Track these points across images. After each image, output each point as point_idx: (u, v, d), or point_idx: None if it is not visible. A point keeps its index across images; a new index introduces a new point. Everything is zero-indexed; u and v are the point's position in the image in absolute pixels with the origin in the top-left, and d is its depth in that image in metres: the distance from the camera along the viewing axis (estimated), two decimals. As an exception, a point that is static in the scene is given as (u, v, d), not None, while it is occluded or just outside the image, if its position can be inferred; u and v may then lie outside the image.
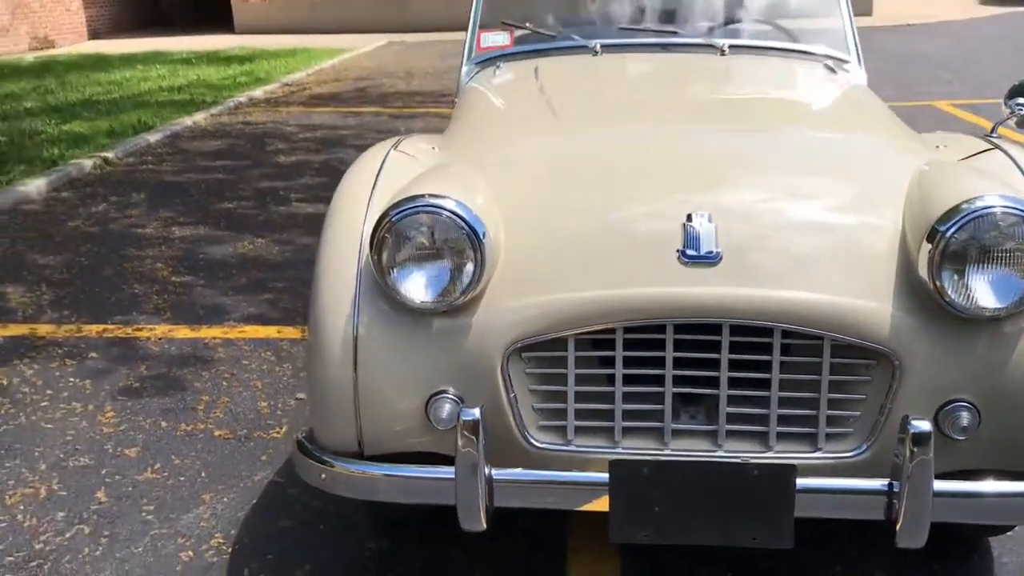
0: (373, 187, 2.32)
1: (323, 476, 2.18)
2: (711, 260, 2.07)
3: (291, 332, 4.10)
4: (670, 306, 2.04)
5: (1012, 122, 2.60)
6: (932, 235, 1.99)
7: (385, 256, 2.07)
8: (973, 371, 2.03)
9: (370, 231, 2.11)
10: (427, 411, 2.13)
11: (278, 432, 3.24)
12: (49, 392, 3.56)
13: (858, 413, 2.08)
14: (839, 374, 2.07)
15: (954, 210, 1.98)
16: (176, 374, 3.73)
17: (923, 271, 2.01)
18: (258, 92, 11.04)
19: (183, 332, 4.16)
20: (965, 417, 2.03)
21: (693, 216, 2.12)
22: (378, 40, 17.13)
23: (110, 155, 7.65)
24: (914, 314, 2.04)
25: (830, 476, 2.07)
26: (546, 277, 2.13)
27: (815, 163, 2.41)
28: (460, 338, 2.11)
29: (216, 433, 3.25)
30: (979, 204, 1.97)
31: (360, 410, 2.14)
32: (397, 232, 2.06)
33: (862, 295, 2.05)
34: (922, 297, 2.05)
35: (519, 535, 2.61)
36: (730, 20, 3.68)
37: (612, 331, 2.07)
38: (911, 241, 2.09)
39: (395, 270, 2.07)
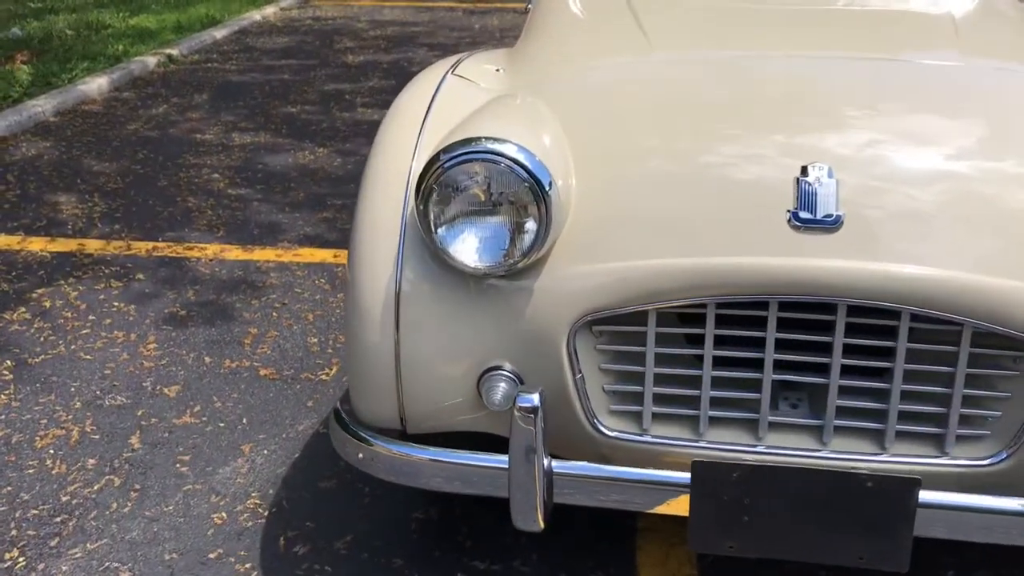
0: (424, 121, 1.97)
1: (360, 455, 1.92)
2: (830, 225, 1.69)
3: (348, 257, 3.83)
4: (776, 280, 1.68)
5: None
6: None
7: (432, 210, 1.74)
8: None
9: (417, 176, 1.78)
10: (479, 388, 1.83)
11: (327, 374, 3.00)
12: (92, 318, 3.37)
13: (999, 413, 1.71)
14: (978, 366, 1.70)
15: None
16: (225, 301, 3.50)
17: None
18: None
19: (235, 253, 3.92)
20: None
21: (809, 169, 1.73)
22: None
23: (175, 52, 7.39)
24: (1079, 299, 1.64)
25: (958, 487, 1.72)
26: (625, 238, 1.78)
27: (965, 102, 1.97)
28: (520, 307, 1.79)
29: (262, 372, 3.02)
30: None
31: (402, 381, 1.85)
32: (446, 182, 1.72)
33: (1012, 274, 1.65)
34: None
35: (582, 512, 2.33)
36: None
37: (702, 305, 1.72)
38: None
39: (443, 227, 1.74)
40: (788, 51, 2.22)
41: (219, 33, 8.12)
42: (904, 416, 1.74)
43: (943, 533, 1.70)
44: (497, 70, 2.31)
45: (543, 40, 2.49)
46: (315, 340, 3.21)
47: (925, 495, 1.65)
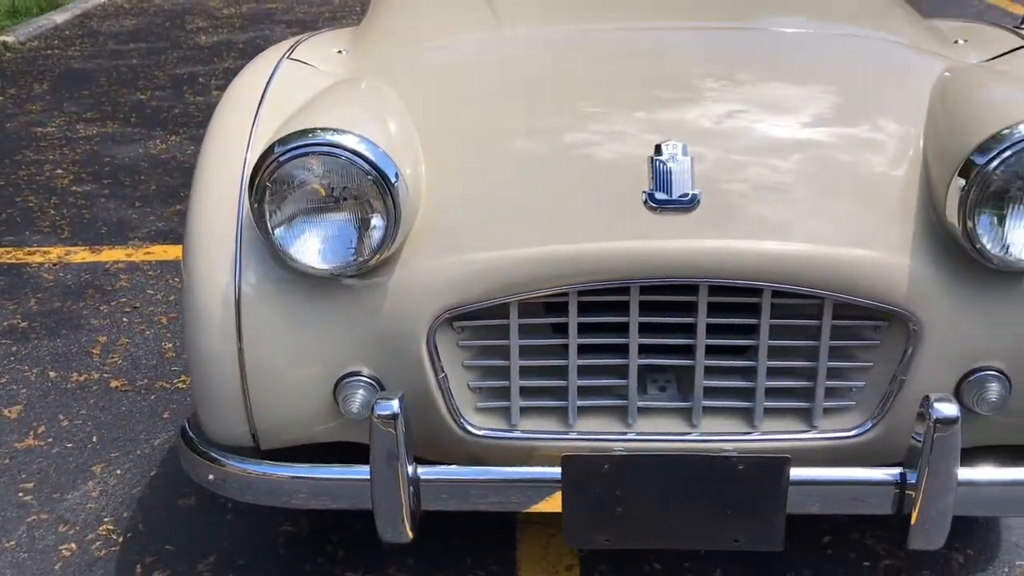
0: (257, 111, 1.83)
1: (211, 477, 1.78)
2: (686, 205, 1.64)
3: (204, 252, 3.62)
4: (635, 264, 1.62)
5: (1047, 9, 2.15)
6: (966, 168, 1.57)
7: (268, 208, 1.60)
8: (1005, 334, 1.65)
9: (248, 175, 1.64)
10: (336, 397, 1.72)
11: (184, 381, 2.82)
12: (-81, 337, 3.09)
13: (862, 383, 1.71)
14: (841, 338, 1.68)
15: (995, 138, 1.55)
16: (70, 309, 3.26)
17: (952, 212, 1.60)
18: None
19: (81, 255, 3.66)
20: (994, 389, 1.66)
21: (663, 147, 1.67)
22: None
23: (10, 39, 6.89)
24: (934, 265, 1.64)
25: (827, 460, 1.71)
26: (481, 228, 1.69)
27: (816, 71, 1.95)
28: (374, 307, 1.68)
29: (113, 384, 2.82)
30: (1028, 129, 1.54)
31: (250, 394, 1.72)
32: (281, 178, 1.59)
33: (870, 243, 1.64)
34: (945, 244, 1.64)
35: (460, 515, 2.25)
36: None
37: (565, 294, 1.65)
38: (935, 173, 1.67)
39: (281, 227, 1.61)
40: (640, 23, 2.15)
41: (60, 17, 7.62)
42: (772, 392, 1.72)
43: (816, 509, 1.69)
44: (340, 51, 2.18)
45: (389, 17, 2.36)
46: (170, 345, 3.02)
47: (795, 472, 1.63)
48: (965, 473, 1.62)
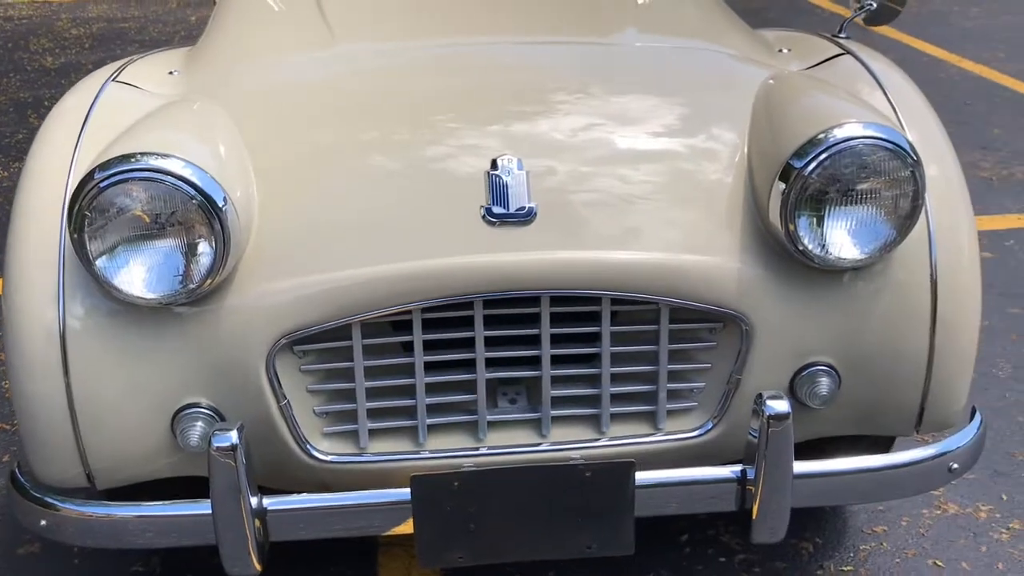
0: (79, 136, 1.75)
1: (44, 523, 1.69)
2: (523, 218, 1.65)
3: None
4: (476, 279, 1.62)
5: (861, 19, 2.27)
6: (786, 172, 1.64)
7: (88, 238, 1.54)
8: (832, 330, 1.72)
9: (68, 204, 1.57)
10: (174, 431, 1.66)
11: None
12: None
13: (702, 384, 1.75)
14: (679, 341, 1.72)
15: (812, 142, 1.62)
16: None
17: (774, 215, 1.66)
18: (23, -21, 9.63)
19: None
20: (824, 383, 1.73)
21: (499, 161, 1.68)
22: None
23: None
24: (762, 267, 1.70)
25: (674, 461, 1.75)
26: (317, 250, 1.66)
27: (646, 83, 1.99)
28: (210, 335, 1.63)
29: (-54, 428, 2.65)
30: (840, 134, 1.61)
31: (81, 433, 1.64)
32: (101, 206, 1.53)
33: (701, 249, 1.69)
34: (772, 246, 1.71)
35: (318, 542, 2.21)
36: None
37: (409, 311, 1.64)
38: (759, 178, 1.73)
39: (104, 257, 1.55)
40: (474, 38, 2.16)
41: None
42: (617, 398, 1.75)
43: (664, 510, 1.72)
44: (171, 72, 2.11)
45: (224, 36, 2.30)
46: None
47: (641, 476, 1.66)
48: (800, 466, 1.68)
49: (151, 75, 2.05)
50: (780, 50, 2.22)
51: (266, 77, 2.02)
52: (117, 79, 1.96)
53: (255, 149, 1.76)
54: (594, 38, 2.18)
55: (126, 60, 2.11)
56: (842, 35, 2.21)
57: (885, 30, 6.71)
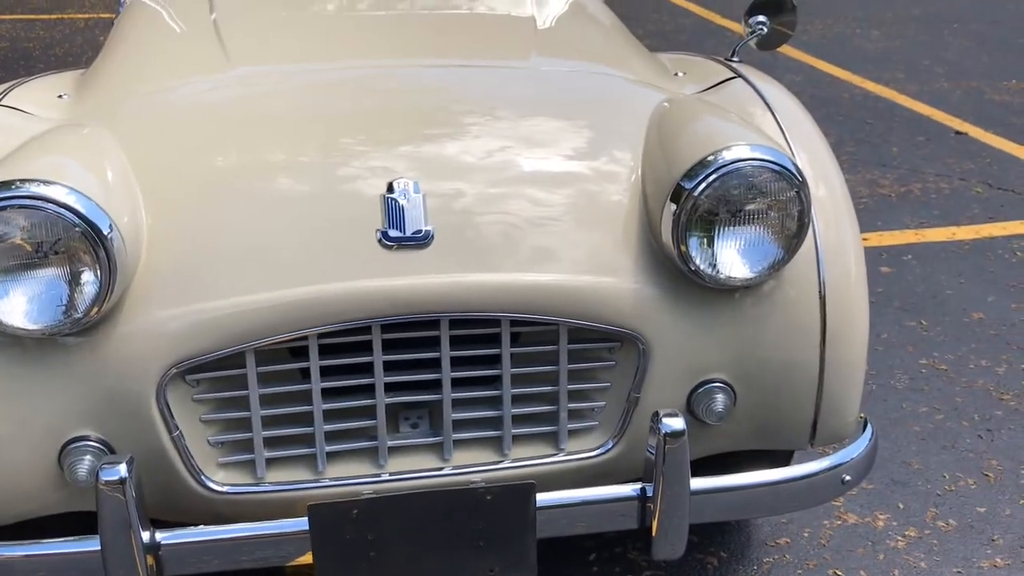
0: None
1: None
2: (420, 241, 1.65)
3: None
4: (372, 303, 1.61)
5: (752, 43, 2.33)
6: (677, 193, 1.67)
7: (-35, 270, 1.48)
8: (726, 347, 1.76)
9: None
10: (61, 465, 1.61)
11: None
12: None
13: (603, 404, 1.77)
14: (579, 361, 1.74)
15: (701, 164, 1.66)
16: None
17: (667, 235, 1.69)
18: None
19: None
20: (720, 399, 1.76)
21: (395, 185, 1.68)
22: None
23: None
24: (657, 287, 1.73)
25: (576, 482, 1.76)
26: (208, 276, 1.63)
27: (542, 104, 2.01)
28: (97, 365, 1.59)
29: None
30: (728, 156, 1.66)
31: None
32: (-26, 239, 1.47)
33: (598, 270, 1.71)
34: (666, 266, 1.74)
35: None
36: None
37: (305, 337, 1.62)
38: (652, 199, 1.76)
39: (-18, 287, 1.49)
40: (371, 61, 2.16)
41: None
42: (519, 420, 1.75)
43: (567, 530, 1.72)
44: (60, 96, 2.06)
45: (117, 59, 2.25)
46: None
47: (542, 497, 1.67)
48: (697, 482, 1.70)
49: (39, 99, 2.00)
50: (676, 73, 2.27)
51: (158, 100, 1.98)
52: (2, 103, 1.91)
53: (145, 173, 1.72)
54: (493, 61, 2.19)
55: (13, 83, 2.05)
56: (735, 59, 2.27)
57: (790, 51, 6.93)
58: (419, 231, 1.65)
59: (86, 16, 8.65)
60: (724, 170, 1.64)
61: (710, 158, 1.66)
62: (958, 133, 5.26)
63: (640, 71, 2.22)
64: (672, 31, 7.88)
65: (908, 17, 8.15)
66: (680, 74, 2.26)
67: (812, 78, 6.34)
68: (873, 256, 3.74)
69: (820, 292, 1.79)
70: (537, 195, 1.78)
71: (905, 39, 7.44)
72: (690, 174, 1.66)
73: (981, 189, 4.49)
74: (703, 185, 1.65)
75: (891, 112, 5.65)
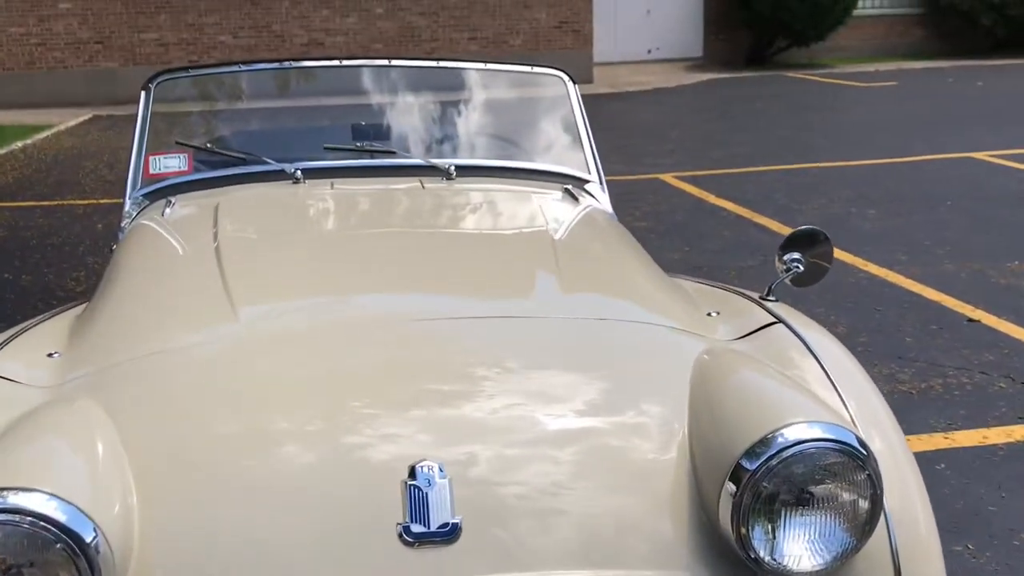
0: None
1: None
2: (447, 536, 1.46)
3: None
4: (391, 613, 1.40)
5: (788, 280, 2.22)
6: (736, 474, 1.50)
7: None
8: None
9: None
10: None
11: None
12: None
13: None
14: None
15: (762, 443, 1.49)
16: None
17: (724, 519, 1.51)
18: (-76, 184, 9.40)
19: None
20: None
21: (417, 469, 1.50)
22: (82, 114, 15.48)
23: None
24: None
25: None
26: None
27: (575, 361, 1.84)
28: None
29: None
30: (790, 435, 1.50)
31: None
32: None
33: (649, 562, 1.51)
34: (721, 551, 1.54)
35: None
36: (452, 137, 3.14)
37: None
38: (704, 475, 1.59)
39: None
40: (389, 297, 2.02)
41: None
42: None
43: None
44: (50, 354, 1.90)
45: (112, 306, 2.11)
46: None
47: None
48: None
49: (30, 360, 1.85)
50: (709, 313, 2.14)
51: (154, 366, 1.81)
52: (-11, 366, 1.75)
53: (138, 453, 1.56)
54: (516, 304, 2.05)
55: (1, 341, 1.90)
56: (771, 298, 2.15)
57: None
58: (445, 524, 1.47)
59: (85, 202, 8.71)
60: (787, 453, 1.48)
61: (774, 436, 1.50)
62: (971, 320, 5.17)
63: (671, 310, 2.09)
64: (666, 211, 7.94)
65: (899, 195, 8.26)
66: (713, 313, 2.13)
67: (814, 261, 6.29)
68: (905, 465, 3.53)
69: (894, 562, 1.60)
70: (578, 472, 1.60)
71: (901, 217, 7.49)
72: (753, 453, 1.49)
73: (1005, 384, 4.35)
74: (765, 468, 1.48)
75: (899, 298, 5.57)
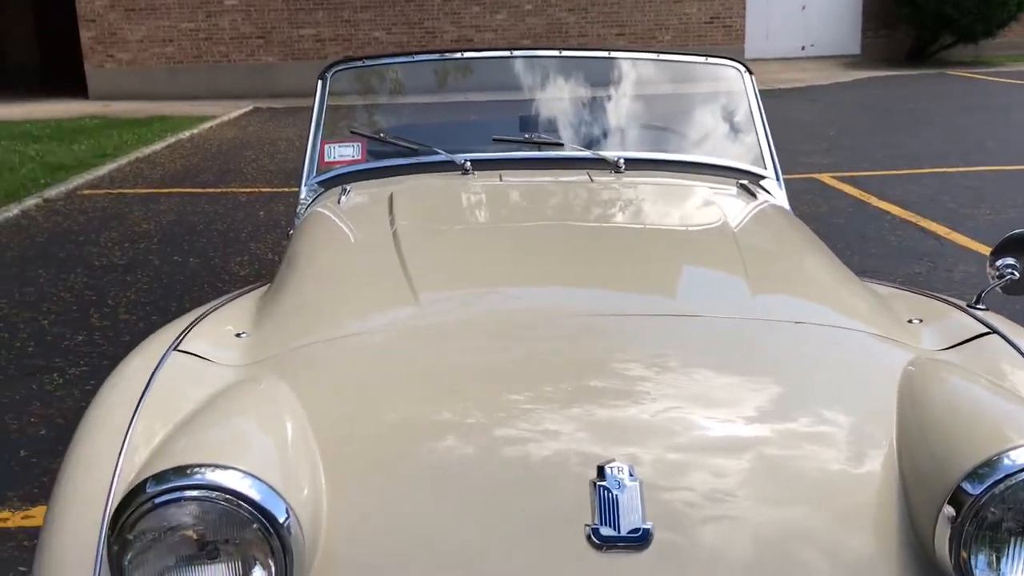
0: (129, 426, 1.55)
1: None
2: (638, 541, 1.39)
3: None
4: (581, 620, 1.34)
5: (999, 288, 2.04)
6: (957, 497, 1.37)
7: (128, 564, 1.31)
8: None
9: (112, 512, 1.35)
10: None
11: None
12: None
13: None
14: None
15: (988, 465, 1.36)
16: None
17: (941, 543, 1.38)
18: (103, 171, 10.00)
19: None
20: None
21: (607, 470, 1.43)
22: (243, 106, 16.17)
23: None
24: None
25: None
26: (394, 570, 1.41)
27: (769, 367, 1.74)
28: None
29: None
30: (1018, 459, 1.35)
31: None
32: (143, 530, 1.30)
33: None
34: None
35: None
36: (620, 129, 3.06)
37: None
38: (914, 494, 1.46)
39: (144, 584, 1.31)
40: (573, 306, 1.95)
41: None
42: None
43: None
44: (238, 334, 1.93)
45: (297, 291, 2.14)
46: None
47: None
48: None
49: (217, 339, 1.88)
50: (910, 320, 1.98)
51: (340, 350, 1.82)
52: (179, 347, 1.79)
53: (325, 435, 1.54)
54: (700, 310, 1.93)
55: (193, 319, 1.95)
56: (980, 306, 1.98)
57: (964, 240, 6.54)
58: (636, 529, 1.39)
59: (248, 190, 9.07)
60: (1016, 479, 1.34)
61: (995, 458, 1.36)
62: None
63: (870, 315, 1.95)
64: (826, 213, 7.62)
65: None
66: (915, 321, 1.97)
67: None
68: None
69: None
70: (770, 482, 1.50)
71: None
72: (974, 476, 1.36)
73: None
74: (990, 493, 1.34)
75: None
